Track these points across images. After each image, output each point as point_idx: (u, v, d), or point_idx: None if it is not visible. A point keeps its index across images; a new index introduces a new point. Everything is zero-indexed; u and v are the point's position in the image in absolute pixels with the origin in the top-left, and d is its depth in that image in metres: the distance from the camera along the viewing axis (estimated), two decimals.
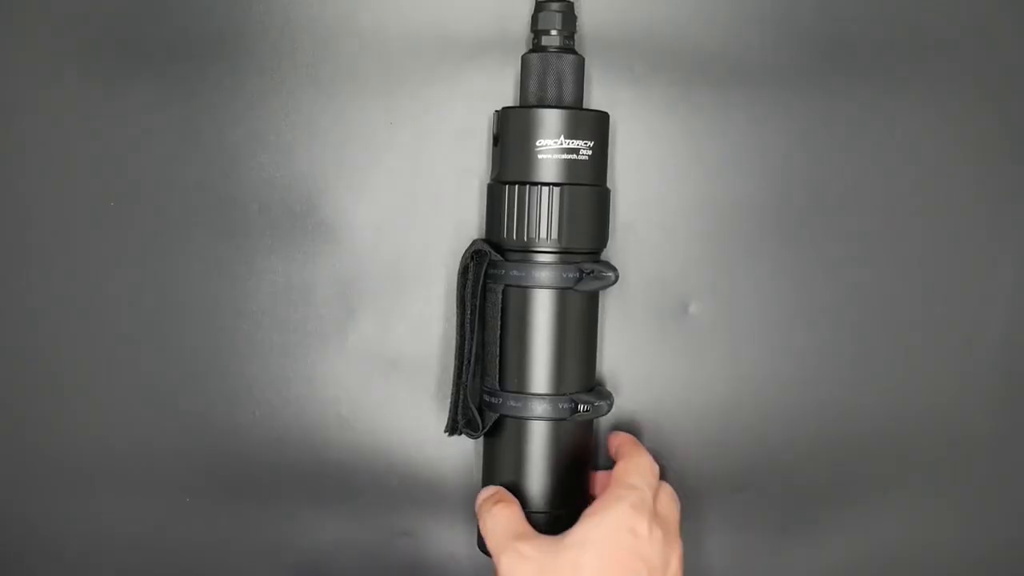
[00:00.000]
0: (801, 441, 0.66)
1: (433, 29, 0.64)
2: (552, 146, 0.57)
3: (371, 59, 0.63)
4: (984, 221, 0.65)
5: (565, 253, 0.58)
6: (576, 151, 0.58)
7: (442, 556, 0.67)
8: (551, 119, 0.57)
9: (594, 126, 0.58)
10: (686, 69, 0.63)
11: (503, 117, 0.59)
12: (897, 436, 0.66)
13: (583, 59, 0.59)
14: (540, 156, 0.57)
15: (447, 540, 0.67)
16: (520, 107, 0.59)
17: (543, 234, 0.57)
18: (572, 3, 0.59)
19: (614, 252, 0.64)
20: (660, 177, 0.64)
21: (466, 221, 0.65)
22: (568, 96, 0.59)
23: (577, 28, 0.60)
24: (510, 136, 0.58)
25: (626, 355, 0.65)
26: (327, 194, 0.64)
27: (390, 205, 0.65)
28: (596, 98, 0.63)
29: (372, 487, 0.67)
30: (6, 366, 0.66)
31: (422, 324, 0.65)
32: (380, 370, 0.66)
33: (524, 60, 0.59)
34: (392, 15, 0.63)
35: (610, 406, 0.61)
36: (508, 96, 0.63)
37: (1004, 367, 0.66)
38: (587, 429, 0.62)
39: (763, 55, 0.63)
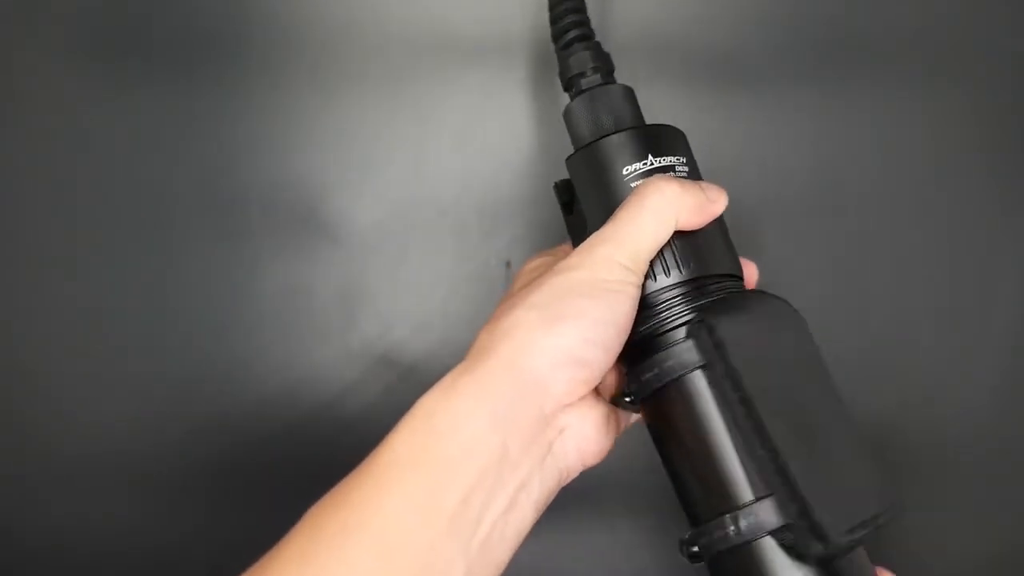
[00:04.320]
0: None
1: (434, 30, 0.64)
2: (643, 168, 0.46)
3: (372, 60, 0.63)
4: (987, 220, 0.65)
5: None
6: (672, 168, 0.46)
7: None
8: (632, 140, 0.46)
9: (676, 141, 0.48)
10: (687, 70, 0.63)
11: (570, 167, 0.47)
12: (898, 437, 0.66)
13: (632, 88, 0.50)
14: (634, 185, 0.45)
15: None
16: (586, 146, 0.47)
17: (673, 270, 0.44)
18: (598, 41, 0.51)
19: None
20: None
21: (467, 222, 0.65)
22: (630, 122, 0.49)
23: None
24: (586, 183, 0.46)
25: None
26: (328, 195, 0.64)
27: (391, 206, 0.65)
28: None
29: None
30: (5, 366, 0.67)
31: (423, 325, 0.65)
32: (381, 371, 0.66)
33: (567, 111, 0.50)
34: (393, 16, 0.63)
35: None
36: (508, 96, 0.63)
37: (1007, 366, 0.66)
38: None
39: (764, 56, 0.63)
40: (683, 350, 0.43)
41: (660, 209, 0.43)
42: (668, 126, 0.48)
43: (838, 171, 0.64)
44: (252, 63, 0.63)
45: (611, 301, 0.41)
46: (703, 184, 0.46)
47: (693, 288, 0.45)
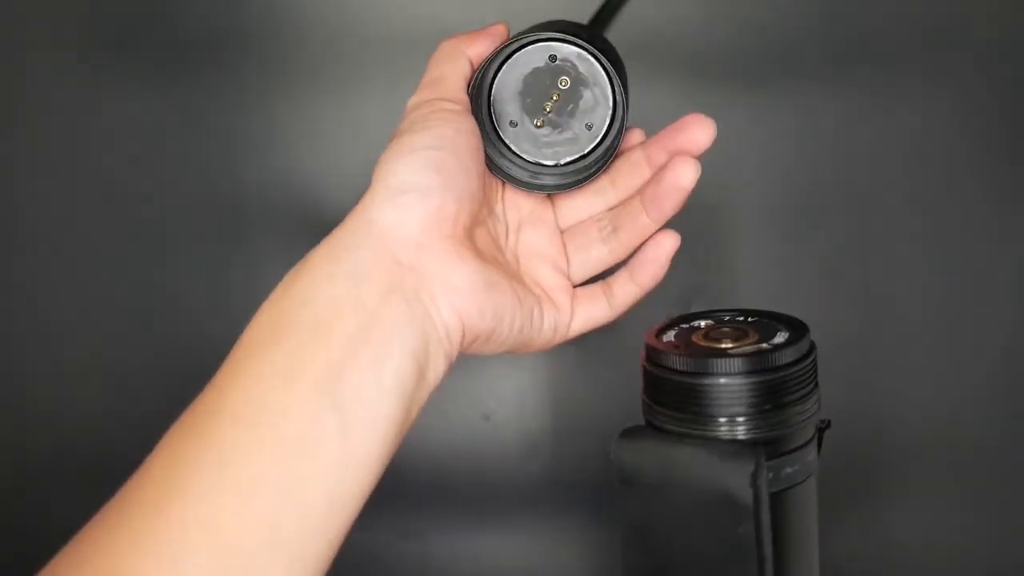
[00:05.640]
0: None
1: (435, 29, 0.63)
2: None
3: (373, 60, 0.63)
4: (986, 221, 0.65)
5: None
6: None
7: (442, 555, 0.67)
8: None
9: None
10: (687, 69, 0.63)
11: None
12: (897, 438, 0.66)
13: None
14: None
15: (447, 539, 0.67)
16: None
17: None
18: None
19: None
20: None
21: None
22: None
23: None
24: None
25: (627, 359, 0.65)
26: (329, 195, 0.64)
27: None
28: None
29: (373, 487, 0.67)
30: (7, 366, 0.66)
31: None
32: None
33: None
34: (394, 15, 0.63)
35: None
36: None
37: (1007, 367, 0.66)
38: None
39: (764, 56, 0.63)
40: None
41: (443, 48, 0.45)
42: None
43: (837, 170, 0.64)
44: (253, 64, 0.63)
45: (434, 130, 0.42)
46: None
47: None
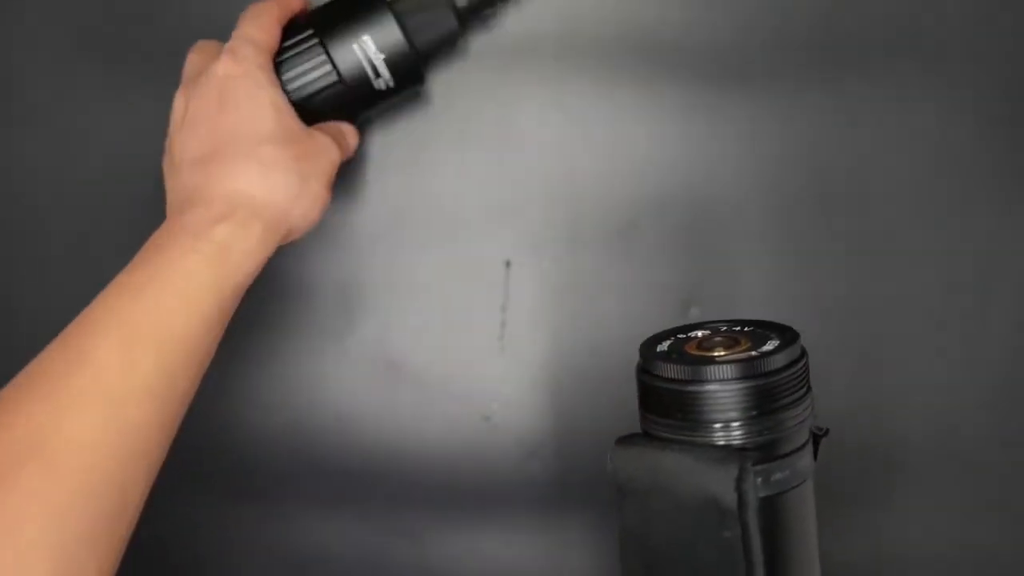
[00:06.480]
0: None
1: None
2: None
3: None
4: (986, 220, 0.65)
5: None
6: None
7: (443, 557, 0.67)
8: None
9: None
10: (687, 70, 0.63)
11: None
12: (898, 437, 0.66)
13: None
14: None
15: (448, 541, 0.67)
16: None
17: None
18: None
19: (616, 254, 0.64)
20: (661, 178, 0.64)
21: (466, 221, 0.64)
22: None
23: (579, 28, 0.59)
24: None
25: (628, 358, 0.65)
26: None
27: (390, 207, 0.65)
28: (596, 97, 0.63)
29: (372, 488, 0.67)
30: (4, 366, 0.66)
31: (422, 326, 0.65)
32: (380, 371, 0.66)
33: None
34: None
35: None
36: (508, 94, 0.63)
37: (1008, 369, 0.66)
38: None
39: (763, 55, 0.63)
40: None
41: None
42: None
43: (837, 171, 0.64)
44: None
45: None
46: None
47: None
